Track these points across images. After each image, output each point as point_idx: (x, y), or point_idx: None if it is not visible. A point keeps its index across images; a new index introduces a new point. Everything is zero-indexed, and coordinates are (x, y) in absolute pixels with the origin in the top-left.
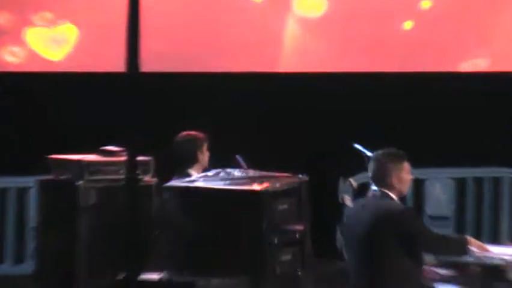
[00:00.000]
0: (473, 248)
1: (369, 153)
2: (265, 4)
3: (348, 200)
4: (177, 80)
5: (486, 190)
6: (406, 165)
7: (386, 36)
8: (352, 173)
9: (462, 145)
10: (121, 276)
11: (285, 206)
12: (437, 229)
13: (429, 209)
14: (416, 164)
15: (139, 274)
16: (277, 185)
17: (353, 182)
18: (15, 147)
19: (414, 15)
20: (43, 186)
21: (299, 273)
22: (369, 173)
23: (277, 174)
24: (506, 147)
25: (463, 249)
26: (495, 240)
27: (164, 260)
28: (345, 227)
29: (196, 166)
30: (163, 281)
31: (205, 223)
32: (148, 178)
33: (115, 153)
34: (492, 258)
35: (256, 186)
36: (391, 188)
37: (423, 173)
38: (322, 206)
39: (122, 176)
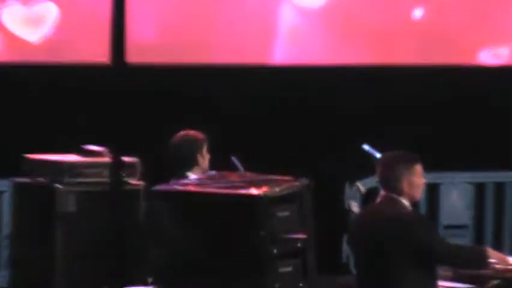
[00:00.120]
0: (493, 260)
1: (378, 155)
2: None
3: (355, 207)
4: (167, 73)
5: (508, 196)
6: (418, 168)
7: (395, 25)
8: (359, 177)
9: (481, 146)
10: None
11: (286, 213)
12: (453, 239)
13: (445, 217)
14: (429, 167)
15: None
16: (277, 189)
17: (361, 186)
18: None
19: (425, 1)
20: (18, 189)
21: (301, 287)
22: (378, 177)
23: (277, 177)
24: None
25: (482, 261)
26: None
27: (152, 273)
28: (352, 237)
29: (196, 169)
30: None
31: (197, 231)
32: (134, 181)
33: (98, 153)
34: None
35: (253, 191)
36: (402, 193)
37: (437, 177)
38: (326, 214)
39: (106, 179)
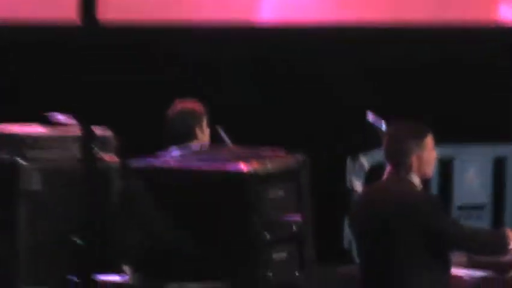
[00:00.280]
0: None
1: (383, 126)
2: None
3: (358, 185)
4: (143, 31)
5: None
6: (429, 141)
7: None
8: (363, 151)
9: (501, 116)
10: (72, 279)
11: (280, 193)
12: (469, 222)
13: (459, 196)
14: (442, 139)
15: (94, 276)
16: (270, 165)
17: (364, 161)
18: None
19: None
20: None
21: (297, 276)
22: (384, 151)
23: (269, 151)
24: None
25: (501, 246)
26: None
27: (128, 259)
28: (354, 219)
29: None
30: (126, 285)
31: (179, 213)
32: (108, 156)
33: (65, 124)
34: None
35: (242, 167)
36: (411, 169)
37: (451, 151)
38: (325, 193)
39: (74, 154)
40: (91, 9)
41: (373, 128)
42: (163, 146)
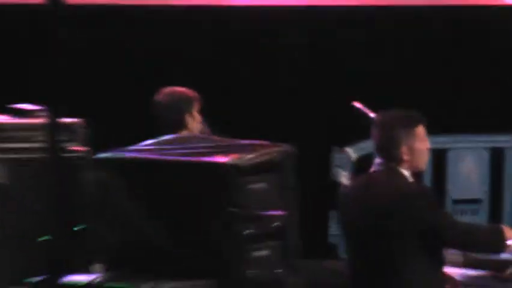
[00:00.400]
0: (511, 242)
1: (372, 115)
2: None
3: (344, 177)
4: (113, 14)
5: None
6: (421, 131)
7: None
8: (350, 142)
9: (500, 105)
10: (39, 280)
11: (261, 185)
12: (464, 217)
13: (454, 189)
14: (436, 129)
15: (63, 276)
16: (251, 156)
17: (351, 152)
18: None
19: None
20: None
21: (280, 274)
22: (373, 142)
23: (250, 141)
24: None
25: (499, 243)
26: None
27: (99, 257)
28: (343, 215)
29: (184, 133)
30: (96, 285)
31: (154, 207)
32: (77, 147)
33: (31, 113)
34: None
35: (220, 158)
36: (401, 161)
37: (446, 141)
38: (310, 186)
39: (41, 145)
40: None
41: (361, 118)
42: (152, 135)
